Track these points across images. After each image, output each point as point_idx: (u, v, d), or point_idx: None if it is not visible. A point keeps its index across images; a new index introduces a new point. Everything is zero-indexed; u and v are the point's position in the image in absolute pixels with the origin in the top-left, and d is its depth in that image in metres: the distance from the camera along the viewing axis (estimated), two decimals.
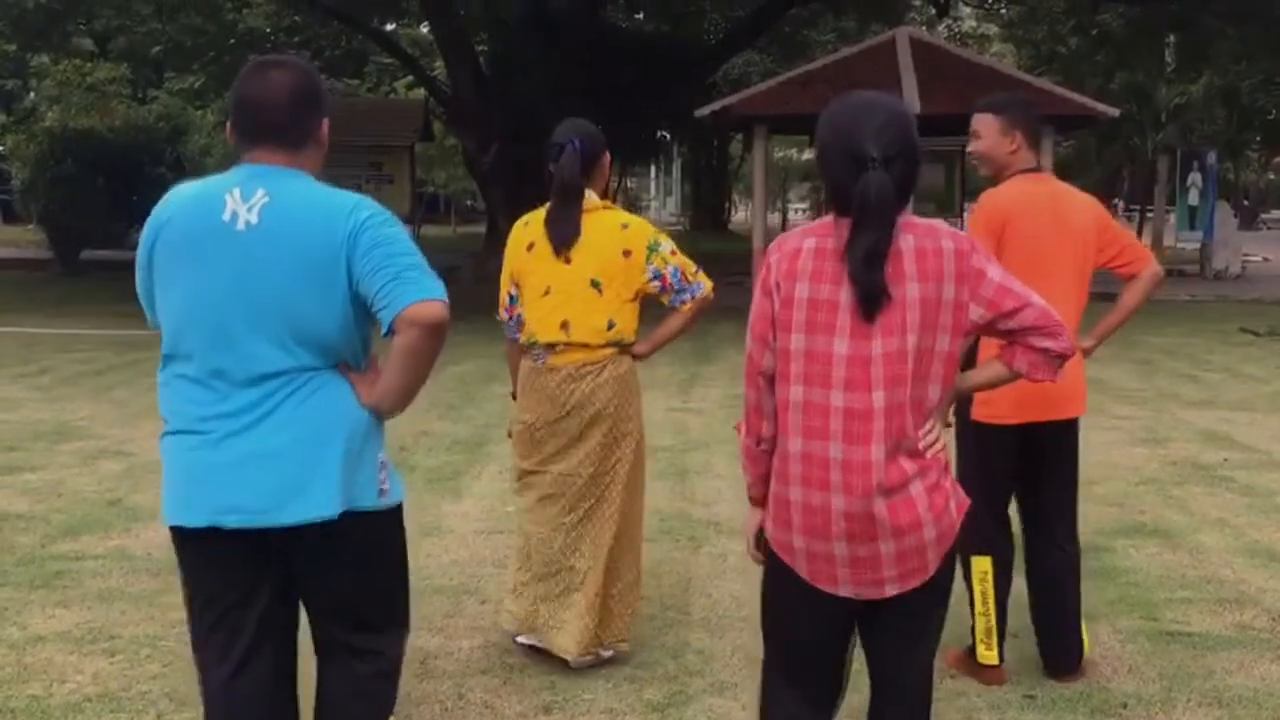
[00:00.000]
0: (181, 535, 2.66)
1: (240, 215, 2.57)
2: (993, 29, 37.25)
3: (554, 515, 4.10)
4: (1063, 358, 2.56)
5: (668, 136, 38.19)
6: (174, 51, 27.04)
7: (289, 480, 2.56)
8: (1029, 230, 3.80)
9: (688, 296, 4.06)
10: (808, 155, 40.14)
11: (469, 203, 49.02)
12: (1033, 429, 3.90)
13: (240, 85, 2.67)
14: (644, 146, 34.57)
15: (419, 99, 28.75)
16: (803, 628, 2.63)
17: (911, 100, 14.42)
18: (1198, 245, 24.39)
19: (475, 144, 21.37)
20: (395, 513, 2.79)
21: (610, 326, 3.99)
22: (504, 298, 4.15)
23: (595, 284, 3.97)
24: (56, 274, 22.55)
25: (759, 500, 2.66)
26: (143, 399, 8.97)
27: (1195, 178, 24.28)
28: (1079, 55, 29.13)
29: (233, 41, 25.06)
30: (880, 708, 2.69)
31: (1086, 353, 3.97)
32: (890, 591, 2.50)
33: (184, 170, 22.64)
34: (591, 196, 4.04)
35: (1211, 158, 25.00)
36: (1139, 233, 29.40)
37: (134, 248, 2.74)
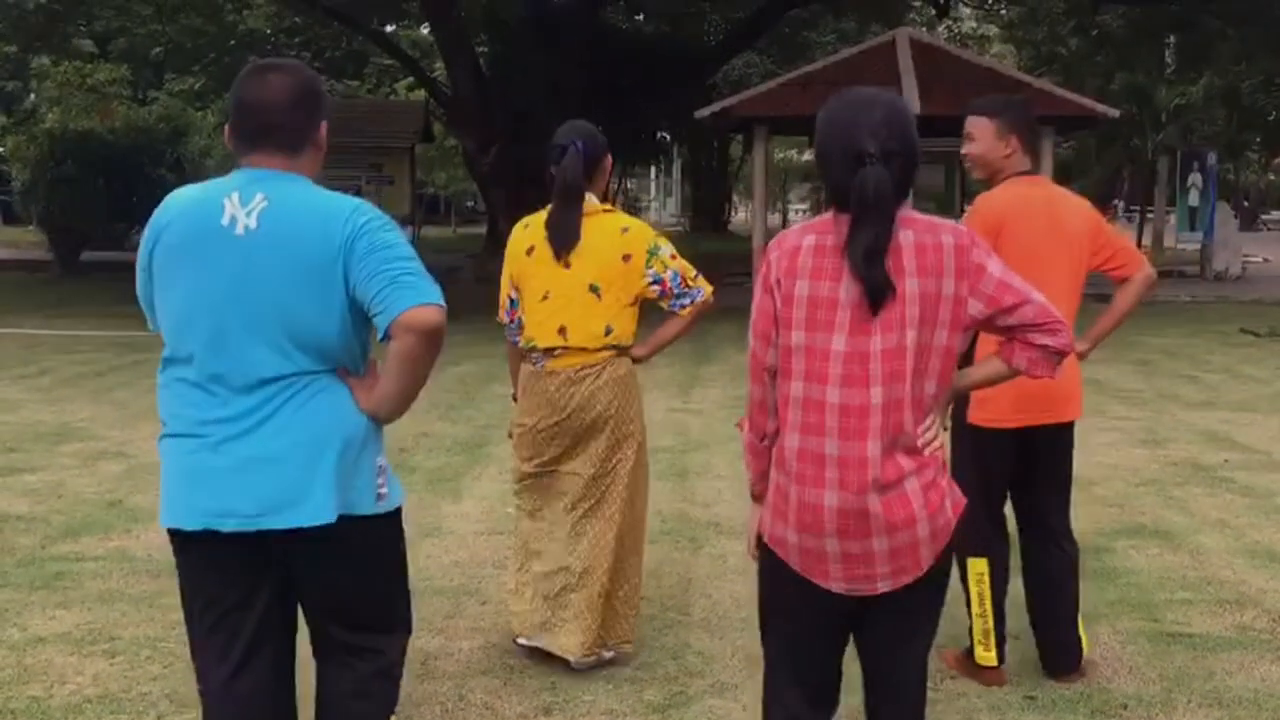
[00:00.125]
0: (180, 538, 2.66)
1: (239, 220, 2.57)
2: (993, 30, 37.24)
3: (554, 515, 4.11)
4: (1062, 354, 2.56)
5: (668, 137, 38.16)
6: (174, 53, 27.11)
7: (287, 485, 2.57)
8: (1025, 233, 3.79)
9: (687, 301, 4.06)
10: (808, 156, 40.14)
11: (469, 204, 49.04)
12: (1029, 432, 3.90)
13: (239, 88, 2.67)
14: (644, 148, 34.55)
15: (419, 100, 28.76)
16: (798, 623, 2.63)
17: (912, 101, 14.42)
18: (1198, 246, 24.37)
19: (475, 145, 21.37)
20: (394, 517, 2.78)
21: (608, 331, 3.99)
22: (504, 300, 4.15)
23: (594, 289, 3.97)
24: (57, 275, 22.55)
25: (761, 497, 2.66)
26: (143, 400, 8.97)
27: (1195, 178, 24.30)
28: (1079, 56, 29.14)
29: (233, 43, 25.11)
30: (875, 707, 2.69)
31: (1081, 356, 3.96)
32: (882, 588, 2.50)
33: (184, 172, 22.66)
34: (592, 199, 4.04)
35: (1212, 158, 25.01)
36: (1139, 234, 29.46)
37: (134, 249, 2.74)
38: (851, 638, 2.68)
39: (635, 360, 4.12)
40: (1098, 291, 4.05)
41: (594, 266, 3.97)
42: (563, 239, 3.98)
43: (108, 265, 21.23)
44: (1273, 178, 54.57)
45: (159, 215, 2.66)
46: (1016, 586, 4.10)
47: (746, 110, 17.46)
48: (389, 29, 29.46)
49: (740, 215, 51.20)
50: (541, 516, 4.15)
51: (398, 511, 2.79)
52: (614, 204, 4.69)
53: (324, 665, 2.82)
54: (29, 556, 5.35)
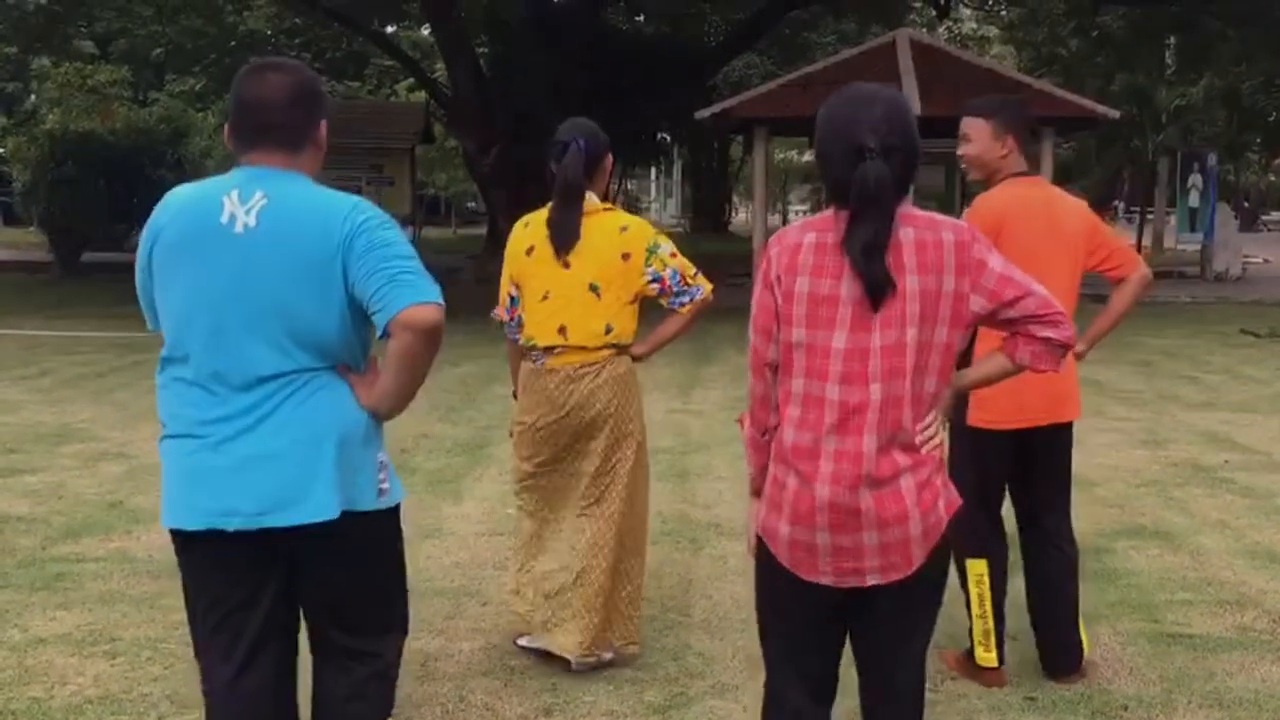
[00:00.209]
0: (182, 538, 2.67)
1: (238, 218, 2.57)
2: (993, 31, 37.25)
3: (555, 515, 4.12)
4: (1065, 347, 2.56)
5: (668, 138, 38.17)
6: (175, 54, 27.13)
7: (289, 482, 2.57)
8: (1024, 234, 3.78)
9: (686, 299, 4.06)
10: (808, 157, 40.16)
11: (469, 205, 49.02)
12: (1028, 433, 3.90)
13: (238, 87, 2.67)
14: (644, 148, 34.57)
15: (419, 101, 28.76)
16: (792, 621, 2.64)
17: (912, 102, 14.40)
18: (1198, 247, 24.38)
19: (476, 146, 21.37)
20: (394, 513, 2.79)
21: (608, 330, 3.99)
22: (504, 298, 4.16)
23: (594, 288, 3.97)
24: (57, 277, 22.53)
25: (761, 492, 2.66)
26: (143, 401, 8.97)
27: (1196, 179, 24.31)
28: (1079, 57, 29.14)
29: (233, 44, 25.13)
30: (874, 709, 2.69)
31: (1079, 357, 3.96)
32: (871, 581, 2.50)
33: (185, 172, 22.63)
34: (592, 198, 4.04)
35: (1212, 159, 25.02)
36: (1139, 234, 29.45)
37: (135, 250, 2.74)
38: (850, 640, 2.68)
39: (635, 358, 4.12)
40: (1094, 292, 4.05)
41: (594, 266, 3.98)
42: (563, 238, 3.98)
43: (108, 266, 21.22)
44: (1273, 179, 54.55)
45: (158, 213, 2.67)
46: (1017, 587, 4.11)
47: (747, 111, 17.47)
48: (389, 30, 29.51)
49: (740, 216, 51.22)
50: (542, 516, 4.16)
51: (397, 508, 2.80)
52: (614, 204, 4.70)
53: (321, 667, 2.82)
54: (30, 557, 5.35)
